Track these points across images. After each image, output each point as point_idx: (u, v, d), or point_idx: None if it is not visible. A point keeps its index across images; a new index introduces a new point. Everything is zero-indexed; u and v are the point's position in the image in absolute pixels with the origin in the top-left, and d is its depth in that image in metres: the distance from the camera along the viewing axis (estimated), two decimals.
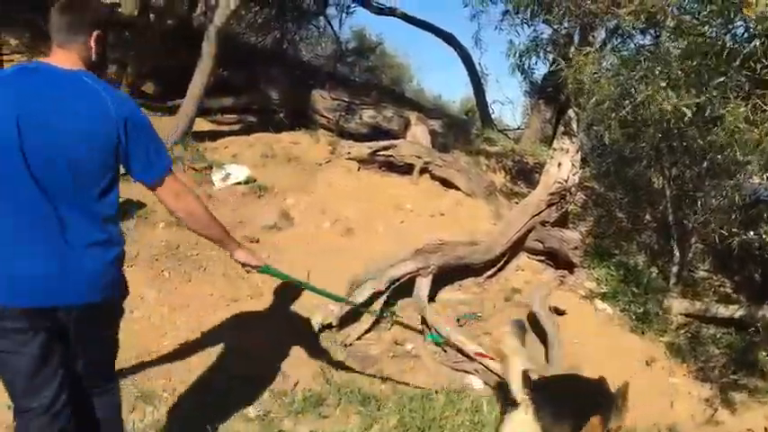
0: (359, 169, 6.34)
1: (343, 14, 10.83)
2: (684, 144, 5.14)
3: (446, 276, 4.94)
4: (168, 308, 4.21)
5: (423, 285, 4.60)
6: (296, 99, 7.22)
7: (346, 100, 7.10)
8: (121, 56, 6.78)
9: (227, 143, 6.58)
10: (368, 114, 6.98)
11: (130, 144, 2.17)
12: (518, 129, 11.92)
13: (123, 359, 3.68)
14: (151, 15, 7.04)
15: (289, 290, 4.59)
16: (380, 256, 4.99)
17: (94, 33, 2.18)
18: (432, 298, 4.74)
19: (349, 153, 6.38)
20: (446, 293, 4.98)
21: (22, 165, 2.02)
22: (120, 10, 8.97)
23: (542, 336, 4.50)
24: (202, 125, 6.69)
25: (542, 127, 10.07)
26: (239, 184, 5.77)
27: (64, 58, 2.15)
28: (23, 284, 2.08)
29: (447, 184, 6.30)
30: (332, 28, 11.03)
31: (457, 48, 10.85)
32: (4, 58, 6.24)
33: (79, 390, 2.34)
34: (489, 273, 5.19)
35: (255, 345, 4.07)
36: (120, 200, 2.29)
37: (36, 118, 2.04)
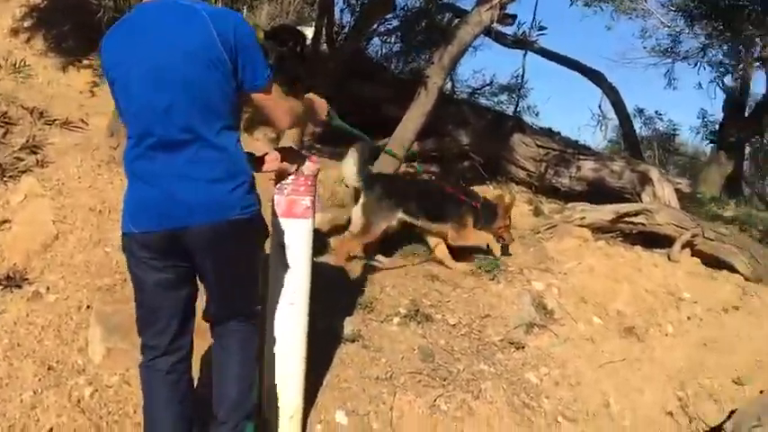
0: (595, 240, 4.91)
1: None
2: None
3: None
4: None
5: None
6: (490, 145, 5.75)
7: (557, 148, 5.62)
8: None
9: None
10: (589, 167, 5.50)
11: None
12: None
13: None
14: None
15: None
16: (687, 368, 3.83)
17: None
18: None
19: (583, 218, 4.93)
20: None
21: None
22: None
23: None
24: None
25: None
26: None
27: None
28: None
29: (712, 262, 4.83)
30: None
31: (606, 88, 9.45)
32: None
33: None
34: None
35: None
36: None
37: None
